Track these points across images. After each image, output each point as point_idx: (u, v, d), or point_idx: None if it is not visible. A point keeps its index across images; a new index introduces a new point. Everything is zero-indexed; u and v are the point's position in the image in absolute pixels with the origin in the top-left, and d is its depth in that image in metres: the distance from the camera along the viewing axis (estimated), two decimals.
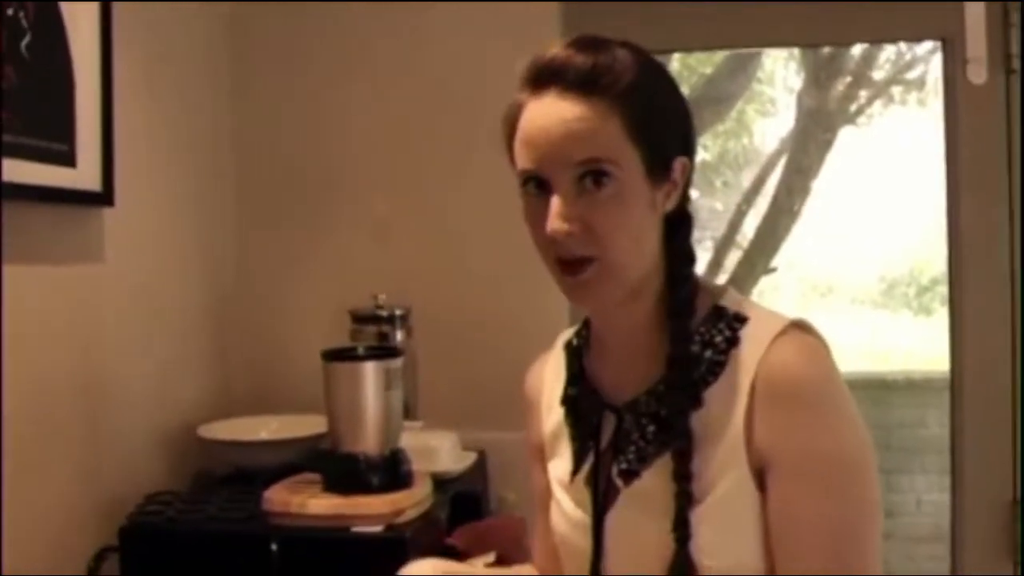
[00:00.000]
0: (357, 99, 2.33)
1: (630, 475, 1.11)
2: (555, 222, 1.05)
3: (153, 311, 2.02)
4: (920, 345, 5.28)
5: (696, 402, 1.07)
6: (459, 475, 1.98)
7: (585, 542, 1.15)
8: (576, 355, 1.23)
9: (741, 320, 1.10)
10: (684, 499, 1.05)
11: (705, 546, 1.04)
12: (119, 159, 1.81)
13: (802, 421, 1.03)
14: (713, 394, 1.07)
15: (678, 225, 1.13)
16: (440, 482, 1.86)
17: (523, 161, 1.08)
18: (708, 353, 1.09)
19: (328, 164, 2.35)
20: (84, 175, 1.74)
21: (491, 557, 1.74)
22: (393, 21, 2.30)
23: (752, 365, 1.05)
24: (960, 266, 2.24)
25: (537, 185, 1.07)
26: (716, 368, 1.07)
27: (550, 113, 1.05)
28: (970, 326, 2.23)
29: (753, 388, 1.04)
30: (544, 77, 1.07)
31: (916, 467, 4.26)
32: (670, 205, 1.11)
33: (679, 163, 1.10)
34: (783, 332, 1.06)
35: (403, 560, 1.57)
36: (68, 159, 1.70)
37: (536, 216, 1.07)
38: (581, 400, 1.20)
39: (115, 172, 1.80)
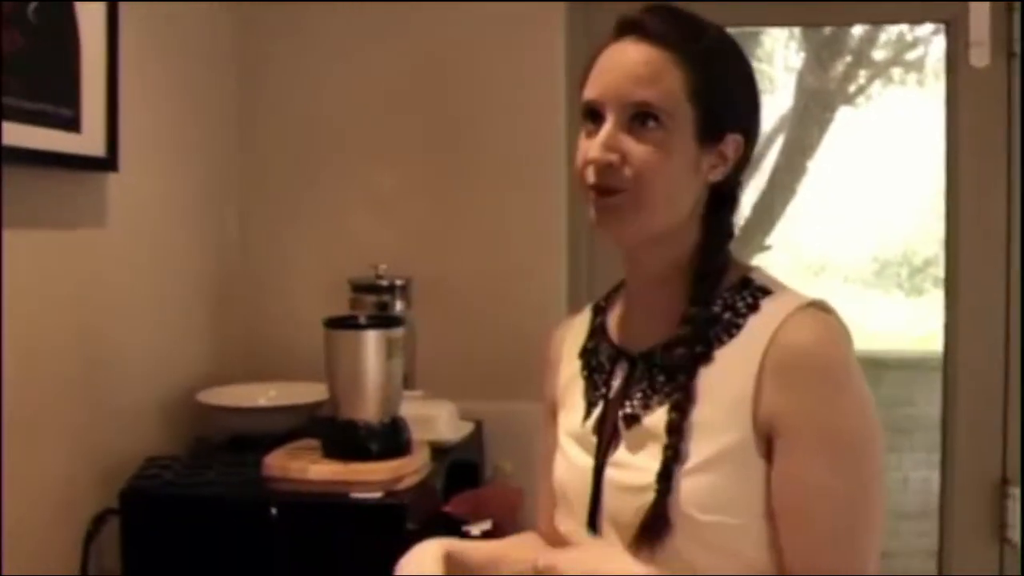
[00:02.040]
0: (361, 69, 2.33)
1: (632, 419, 1.14)
2: (597, 150, 1.10)
3: (155, 276, 2.03)
4: (910, 325, 5.30)
5: (705, 358, 1.10)
6: (456, 444, 2.00)
7: (585, 487, 1.17)
8: (600, 313, 1.28)
9: (765, 292, 1.13)
10: (671, 452, 1.08)
11: (695, 498, 1.06)
12: (124, 125, 1.81)
13: (810, 393, 1.06)
14: (725, 354, 1.10)
15: (723, 202, 1.18)
16: (438, 451, 1.88)
17: (587, 92, 1.14)
18: (727, 315, 1.12)
19: (330, 133, 2.36)
20: (89, 140, 1.74)
21: (487, 524, 1.76)
22: None
23: (767, 333, 1.08)
24: (957, 247, 2.25)
25: (593, 120, 1.13)
26: (732, 330, 1.11)
27: (622, 53, 1.12)
28: (964, 307, 2.25)
29: (765, 356, 1.07)
30: (626, 26, 1.14)
31: (904, 445, 4.28)
32: (715, 176, 1.15)
33: (733, 139, 1.14)
34: (802, 307, 1.09)
35: (401, 526, 1.61)
36: (73, 124, 1.70)
37: (584, 147, 1.13)
38: (599, 352, 1.23)
39: (119, 138, 1.81)
